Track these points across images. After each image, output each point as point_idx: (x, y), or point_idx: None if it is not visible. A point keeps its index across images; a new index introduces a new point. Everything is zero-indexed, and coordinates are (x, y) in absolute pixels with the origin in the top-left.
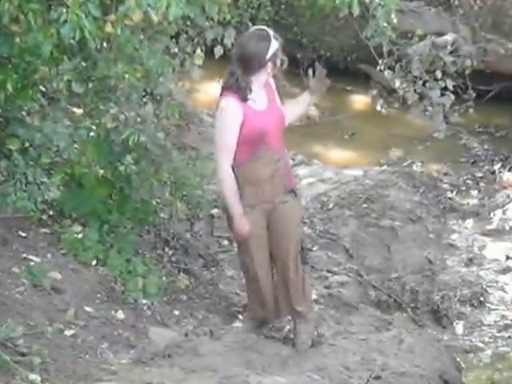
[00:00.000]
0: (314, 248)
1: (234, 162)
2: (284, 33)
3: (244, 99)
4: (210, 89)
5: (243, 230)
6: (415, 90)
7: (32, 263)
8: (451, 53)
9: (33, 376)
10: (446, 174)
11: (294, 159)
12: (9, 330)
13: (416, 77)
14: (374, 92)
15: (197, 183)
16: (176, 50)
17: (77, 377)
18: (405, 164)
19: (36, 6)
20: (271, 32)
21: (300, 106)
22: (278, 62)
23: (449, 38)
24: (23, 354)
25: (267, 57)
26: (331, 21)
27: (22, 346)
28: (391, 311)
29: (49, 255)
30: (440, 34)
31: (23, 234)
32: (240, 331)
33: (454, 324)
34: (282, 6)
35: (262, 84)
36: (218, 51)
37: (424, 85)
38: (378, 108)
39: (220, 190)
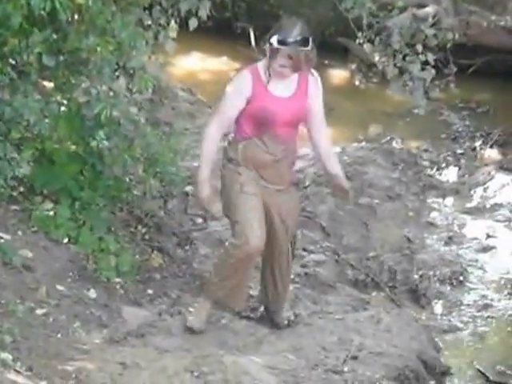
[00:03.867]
0: None
1: (239, 135)
2: (260, 5)
3: (259, 77)
4: (185, 62)
5: (202, 194)
6: (395, 64)
7: (2, 240)
8: (432, 25)
9: (4, 355)
10: (425, 151)
11: None
12: None
13: (396, 50)
14: (353, 66)
15: (170, 160)
16: (149, 22)
17: (48, 356)
18: (384, 140)
19: None
20: (293, 28)
21: (335, 172)
22: (282, 60)
23: (430, 10)
24: None
25: (267, 44)
26: None
27: None
28: (369, 291)
29: (19, 232)
30: (421, 6)
31: None
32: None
33: (433, 304)
34: None
35: (276, 72)
36: (193, 23)
37: (404, 59)
38: (357, 83)
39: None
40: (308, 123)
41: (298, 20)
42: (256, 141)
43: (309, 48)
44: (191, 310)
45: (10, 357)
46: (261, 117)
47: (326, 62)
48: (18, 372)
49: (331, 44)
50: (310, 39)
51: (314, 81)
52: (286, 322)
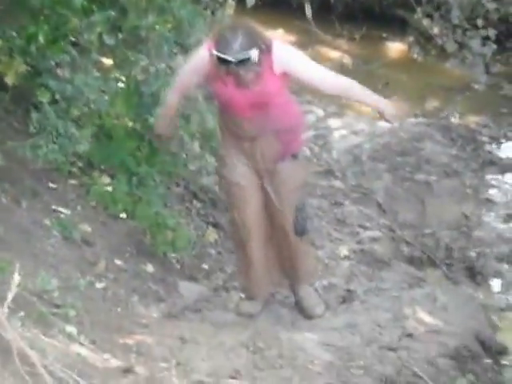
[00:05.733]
0: (346, 202)
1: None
2: None
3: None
4: None
5: (158, 130)
6: (455, 39)
7: (62, 215)
8: None
9: (69, 328)
10: (485, 126)
11: (325, 110)
12: (44, 283)
13: (456, 25)
14: (411, 39)
15: None
16: None
17: (110, 329)
18: (442, 115)
19: None
20: (232, 42)
21: (363, 101)
22: (223, 76)
23: None
24: (58, 307)
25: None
26: None
27: (57, 299)
28: (425, 268)
29: (78, 207)
30: None
31: (53, 186)
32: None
33: (490, 282)
34: None
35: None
36: (251, 1)
37: (464, 33)
38: (415, 56)
39: None
40: (307, 86)
41: (238, 28)
42: (229, 120)
43: (250, 63)
44: (242, 295)
45: (75, 330)
46: (224, 103)
47: (384, 34)
48: (83, 345)
49: (389, 16)
50: (252, 52)
51: (277, 56)
52: (316, 314)
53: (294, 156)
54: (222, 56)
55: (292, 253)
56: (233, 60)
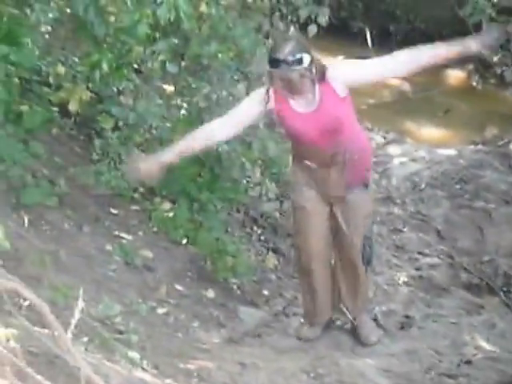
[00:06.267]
0: (405, 229)
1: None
2: (376, 4)
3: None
4: None
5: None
6: None
7: (124, 241)
8: None
9: (132, 353)
10: None
11: (385, 137)
12: (107, 309)
13: None
14: (470, 67)
15: (286, 161)
16: (269, 27)
17: (172, 354)
18: (500, 143)
19: None
20: (284, 47)
21: (443, 56)
22: (277, 83)
23: None
24: (121, 332)
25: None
26: None
27: (120, 324)
28: (483, 295)
29: (140, 233)
30: None
31: (114, 212)
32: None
33: None
34: None
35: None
36: (312, 30)
37: None
38: (474, 84)
39: None
40: (376, 81)
41: (290, 36)
42: (301, 151)
43: (302, 67)
44: (302, 321)
45: (138, 355)
46: (294, 135)
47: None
48: (145, 370)
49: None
50: (304, 57)
51: (334, 78)
52: (371, 341)
53: (366, 185)
54: (273, 56)
55: (357, 281)
56: (283, 59)
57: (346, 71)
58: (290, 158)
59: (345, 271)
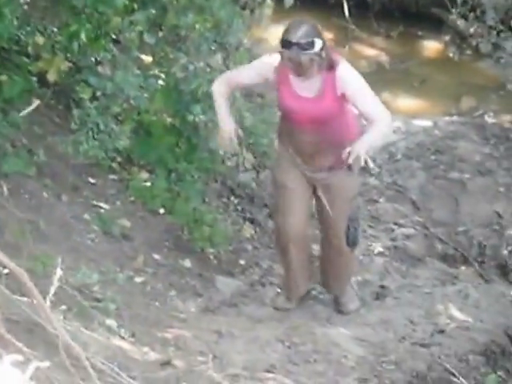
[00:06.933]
0: (381, 200)
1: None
2: None
3: (285, 71)
4: (278, 33)
5: (224, 134)
6: (489, 40)
7: (102, 210)
8: None
9: (110, 321)
10: None
11: None
12: (85, 277)
13: (490, 27)
14: (447, 38)
15: (263, 131)
16: None
17: (149, 323)
18: (476, 114)
19: None
20: (297, 29)
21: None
22: (287, 63)
23: None
24: (98, 300)
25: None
26: None
27: (97, 293)
28: (457, 265)
29: (118, 202)
30: None
31: (93, 181)
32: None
33: None
34: None
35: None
36: (288, 1)
37: (498, 35)
38: (451, 55)
39: None
40: (352, 103)
41: (305, 20)
42: (287, 128)
43: (313, 51)
44: (279, 290)
45: (115, 324)
46: (285, 112)
47: (420, 33)
48: (123, 338)
49: (425, 15)
50: (316, 41)
51: (340, 77)
52: (350, 310)
53: (350, 168)
54: (286, 38)
55: (342, 262)
56: (296, 42)
57: (352, 86)
58: (276, 135)
59: (329, 252)
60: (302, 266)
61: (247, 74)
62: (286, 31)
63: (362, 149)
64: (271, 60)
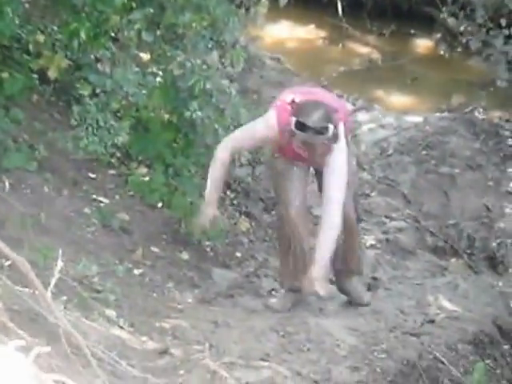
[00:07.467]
0: (373, 194)
1: None
2: None
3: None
4: (273, 31)
5: (208, 212)
6: (479, 38)
7: (101, 204)
8: None
9: (109, 312)
10: (507, 121)
11: (354, 104)
12: (85, 269)
13: (480, 25)
14: (438, 36)
15: None
16: None
17: (147, 313)
18: (466, 110)
19: None
20: (313, 113)
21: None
22: (298, 143)
23: None
24: (98, 291)
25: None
26: None
27: (97, 284)
28: (447, 257)
29: (117, 197)
30: None
31: (92, 176)
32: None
33: (510, 271)
34: None
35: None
36: (283, 0)
37: (488, 32)
38: (441, 52)
39: None
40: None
41: (320, 103)
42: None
43: (326, 137)
44: (274, 294)
45: (115, 313)
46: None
47: (412, 31)
48: (122, 328)
49: (417, 13)
50: (330, 127)
51: (334, 147)
52: (363, 302)
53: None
54: (302, 121)
55: (354, 239)
56: (311, 126)
57: (335, 163)
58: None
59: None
60: (304, 257)
61: (249, 144)
62: (301, 113)
63: (318, 274)
64: (271, 123)
